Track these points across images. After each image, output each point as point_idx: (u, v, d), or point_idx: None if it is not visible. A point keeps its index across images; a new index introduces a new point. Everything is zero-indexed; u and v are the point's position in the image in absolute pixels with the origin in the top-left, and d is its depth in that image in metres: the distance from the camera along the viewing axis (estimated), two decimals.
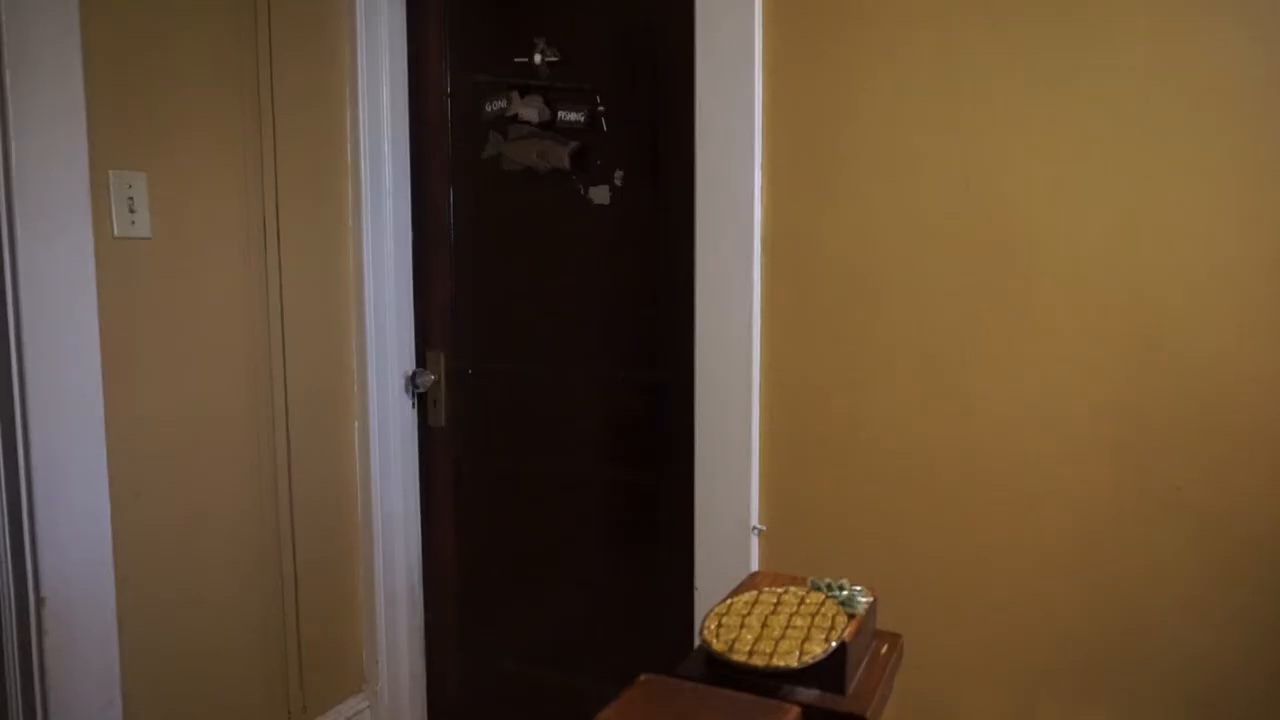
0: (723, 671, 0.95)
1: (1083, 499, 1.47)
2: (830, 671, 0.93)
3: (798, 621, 0.98)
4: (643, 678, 0.93)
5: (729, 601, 1.05)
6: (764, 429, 1.67)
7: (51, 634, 1.52)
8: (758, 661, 0.92)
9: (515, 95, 2.11)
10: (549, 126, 2.09)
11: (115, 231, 1.62)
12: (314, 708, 2.10)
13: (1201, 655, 1.42)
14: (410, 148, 2.22)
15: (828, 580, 1.11)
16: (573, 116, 2.07)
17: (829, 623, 0.98)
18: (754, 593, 1.07)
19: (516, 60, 2.15)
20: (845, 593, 1.07)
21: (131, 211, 1.64)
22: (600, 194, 2.06)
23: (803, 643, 0.93)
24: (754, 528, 1.67)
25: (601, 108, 2.05)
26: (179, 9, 1.73)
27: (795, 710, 0.85)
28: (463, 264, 2.25)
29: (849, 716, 0.91)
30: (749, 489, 1.67)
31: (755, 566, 1.69)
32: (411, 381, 2.24)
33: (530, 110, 2.10)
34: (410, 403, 2.26)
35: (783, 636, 0.95)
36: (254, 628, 1.95)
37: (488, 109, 2.14)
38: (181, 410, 1.77)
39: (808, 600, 1.03)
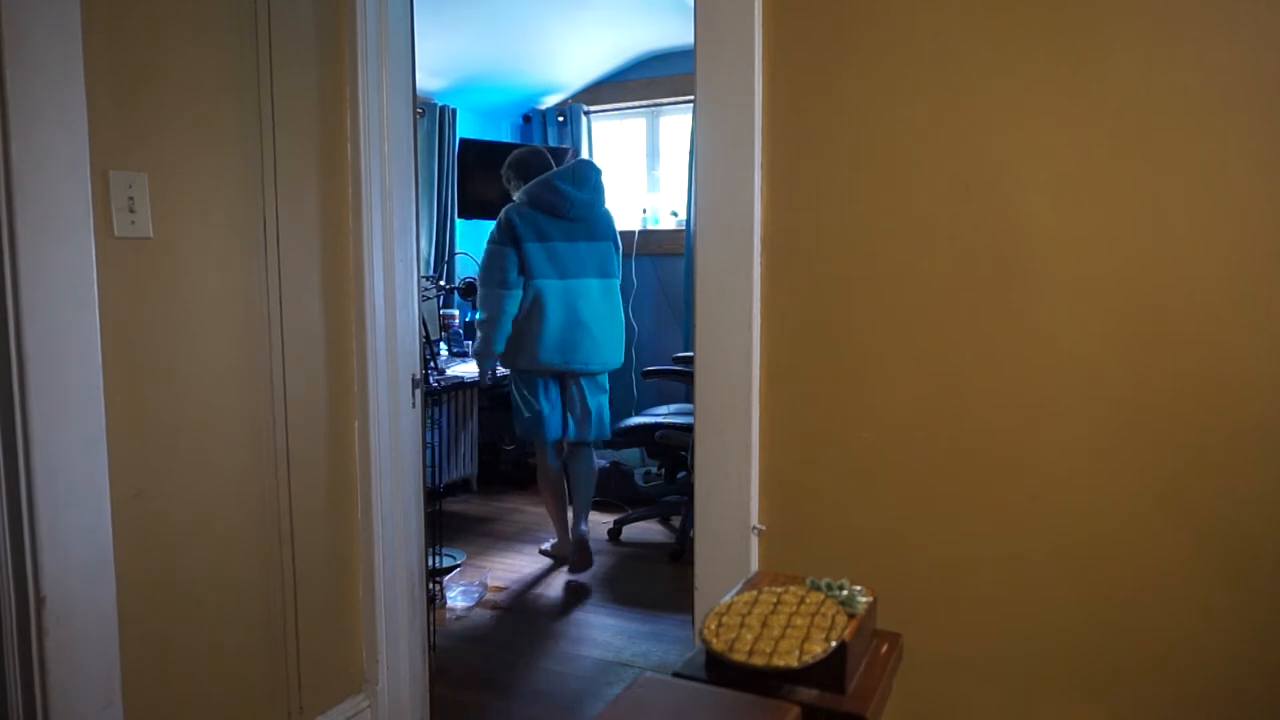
0: (722, 671, 0.95)
1: (1083, 500, 1.47)
2: (830, 671, 0.93)
3: (798, 621, 0.98)
4: (642, 678, 0.93)
5: (729, 601, 1.05)
6: (764, 429, 1.67)
7: (51, 634, 1.51)
8: (757, 661, 0.92)
9: None
10: None
11: (115, 231, 1.62)
12: (314, 707, 2.10)
13: (1202, 656, 1.41)
14: (411, 147, 2.22)
15: (828, 580, 1.11)
16: None
17: (829, 622, 0.97)
18: (754, 592, 1.07)
19: None
20: (845, 593, 1.06)
21: (131, 211, 1.64)
22: None
23: (803, 642, 0.93)
24: (754, 528, 1.67)
25: None
26: (180, 9, 1.73)
27: (795, 710, 0.85)
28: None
29: (849, 716, 0.91)
30: (749, 489, 1.67)
31: (755, 566, 1.68)
32: (413, 382, 2.24)
33: None
34: (412, 403, 2.26)
35: (782, 636, 0.95)
36: (255, 627, 1.95)
37: None
38: (182, 410, 1.76)
39: (808, 600, 1.03)
